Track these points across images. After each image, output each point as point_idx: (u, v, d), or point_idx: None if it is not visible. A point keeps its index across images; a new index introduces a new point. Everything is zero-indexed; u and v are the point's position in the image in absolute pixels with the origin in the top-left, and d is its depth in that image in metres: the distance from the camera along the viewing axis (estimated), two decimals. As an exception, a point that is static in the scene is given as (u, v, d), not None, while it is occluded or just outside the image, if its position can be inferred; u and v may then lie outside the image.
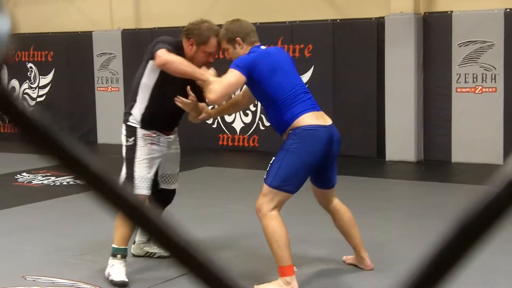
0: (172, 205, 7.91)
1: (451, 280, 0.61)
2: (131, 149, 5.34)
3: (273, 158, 5.02)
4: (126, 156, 5.36)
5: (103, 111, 13.18)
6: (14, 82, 14.24)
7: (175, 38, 5.35)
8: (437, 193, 8.33)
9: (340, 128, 11.20)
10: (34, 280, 5.32)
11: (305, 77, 10.98)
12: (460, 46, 10.02)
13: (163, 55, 5.02)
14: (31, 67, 14.01)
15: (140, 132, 5.34)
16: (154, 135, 5.40)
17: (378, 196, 8.15)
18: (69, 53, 13.50)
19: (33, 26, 13.73)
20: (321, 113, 5.14)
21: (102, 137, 13.21)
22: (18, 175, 9.94)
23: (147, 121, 5.36)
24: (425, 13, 10.39)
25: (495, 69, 9.82)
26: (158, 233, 0.60)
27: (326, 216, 5.54)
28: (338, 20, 10.85)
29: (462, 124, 10.10)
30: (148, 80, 5.36)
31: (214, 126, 12.06)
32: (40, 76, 13.94)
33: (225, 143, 11.97)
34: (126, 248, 5.27)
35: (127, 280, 5.17)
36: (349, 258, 5.54)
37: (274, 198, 4.95)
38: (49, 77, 13.84)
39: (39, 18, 13.78)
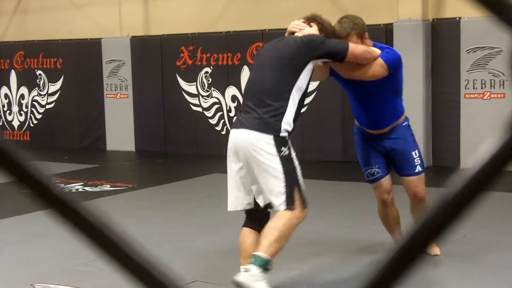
0: (182, 212, 7.94)
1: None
2: (289, 160, 4.77)
3: (402, 150, 5.43)
4: (287, 168, 4.72)
5: (112, 118, 13.21)
6: (23, 90, 14.30)
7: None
8: (446, 199, 8.30)
9: (349, 135, 11.24)
10: (43, 288, 5.34)
11: (314, 84, 10.98)
12: (468, 52, 10.01)
13: (365, 51, 5.08)
14: (40, 74, 14.06)
15: (289, 141, 4.86)
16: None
17: (386, 203, 8.13)
18: (78, 60, 13.54)
19: (42, 33, 13.79)
20: None
21: (111, 144, 13.24)
22: (28, 182, 9.96)
23: (293, 126, 4.90)
24: (433, 19, 10.39)
25: (503, 75, 9.81)
26: (117, 253, 0.63)
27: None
28: (346, 27, 10.84)
29: (471, 130, 10.09)
30: (302, 83, 4.88)
31: (223, 133, 12.07)
32: (49, 83, 13.98)
33: (233, 149, 11.97)
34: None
35: None
36: None
37: None
38: (58, 84, 13.88)
39: (48, 25, 13.83)
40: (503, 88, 9.83)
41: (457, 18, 10.13)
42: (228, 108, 11.97)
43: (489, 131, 9.92)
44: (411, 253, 0.63)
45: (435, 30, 10.32)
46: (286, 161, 4.72)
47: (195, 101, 12.32)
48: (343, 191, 8.80)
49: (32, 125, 14.26)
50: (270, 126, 4.75)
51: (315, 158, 10.88)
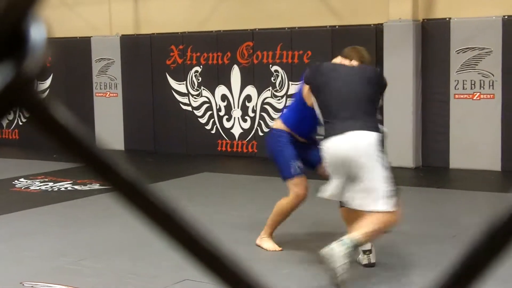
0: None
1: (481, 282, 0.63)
2: (387, 167, 5.40)
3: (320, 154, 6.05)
4: (387, 172, 5.35)
5: (101, 116, 13.18)
6: (13, 88, 14.24)
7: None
8: (435, 199, 8.33)
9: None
10: (32, 286, 5.31)
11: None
12: (458, 53, 10.04)
13: None
14: (29, 73, 14.00)
15: None
16: None
17: (376, 203, 8.14)
18: (68, 59, 13.50)
19: (32, 32, 13.72)
20: None
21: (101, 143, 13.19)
22: (16, 181, 9.93)
23: None
24: (423, 19, 10.41)
25: (493, 75, 9.83)
26: (189, 241, 0.61)
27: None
28: (337, 27, 10.86)
29: (460, 130, 10.11)
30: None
31: (213, 132, 12.06)
32: (38, 82, 13.91)
33: (224, 149, 11.98)
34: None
35: None
36: None
37: None
38: (47, 82, 13.83)
39: (38, 23, 13.77)
40: (493, 88, 9.86)
41: (447, 19, 10.15)
42: (218, 107, 11.96)
43: (479, 132, 9.96)
44: (492, 249, 0.61)
45: (425, 30, 10.33)
46: (386, 166, 5.24)
47: (185, 100, 12.30)
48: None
49: (20, 124, 14.21)
50: (375, 127, 5.27)
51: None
